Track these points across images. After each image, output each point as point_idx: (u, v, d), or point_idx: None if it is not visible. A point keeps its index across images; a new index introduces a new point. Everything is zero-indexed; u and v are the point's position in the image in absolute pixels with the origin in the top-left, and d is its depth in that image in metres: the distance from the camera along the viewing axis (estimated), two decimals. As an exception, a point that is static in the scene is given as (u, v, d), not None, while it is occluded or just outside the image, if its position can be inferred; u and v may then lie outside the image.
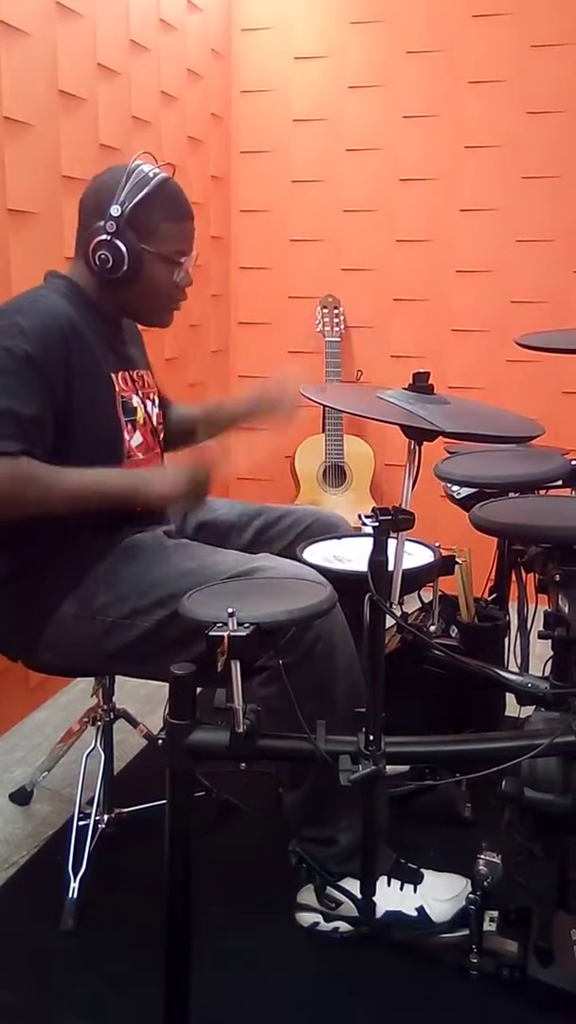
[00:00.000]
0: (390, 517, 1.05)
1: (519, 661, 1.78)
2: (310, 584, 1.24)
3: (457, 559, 1.63)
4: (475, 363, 2.93)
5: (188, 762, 1.17)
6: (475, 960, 1.38)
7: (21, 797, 1.83)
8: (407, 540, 1.63)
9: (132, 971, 1.39)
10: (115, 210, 1.42)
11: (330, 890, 1.44)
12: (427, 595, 1.94)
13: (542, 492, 1.53)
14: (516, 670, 1.71)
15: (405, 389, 1.02)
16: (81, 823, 1.57)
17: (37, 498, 1.33)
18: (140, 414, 1.54)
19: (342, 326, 2.92)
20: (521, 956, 1.38)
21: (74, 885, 1.51)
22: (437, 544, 1.59)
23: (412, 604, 1.86)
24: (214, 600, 1.18)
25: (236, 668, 1.10)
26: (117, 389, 1.49)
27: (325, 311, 2.92)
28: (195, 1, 2.73)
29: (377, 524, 1.05)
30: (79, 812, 1.59)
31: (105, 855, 1.58)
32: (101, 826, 1.62)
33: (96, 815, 1.61)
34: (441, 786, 1.78)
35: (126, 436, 1.49)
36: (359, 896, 1.42)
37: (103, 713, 1.68)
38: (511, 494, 1.43)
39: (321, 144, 2.99)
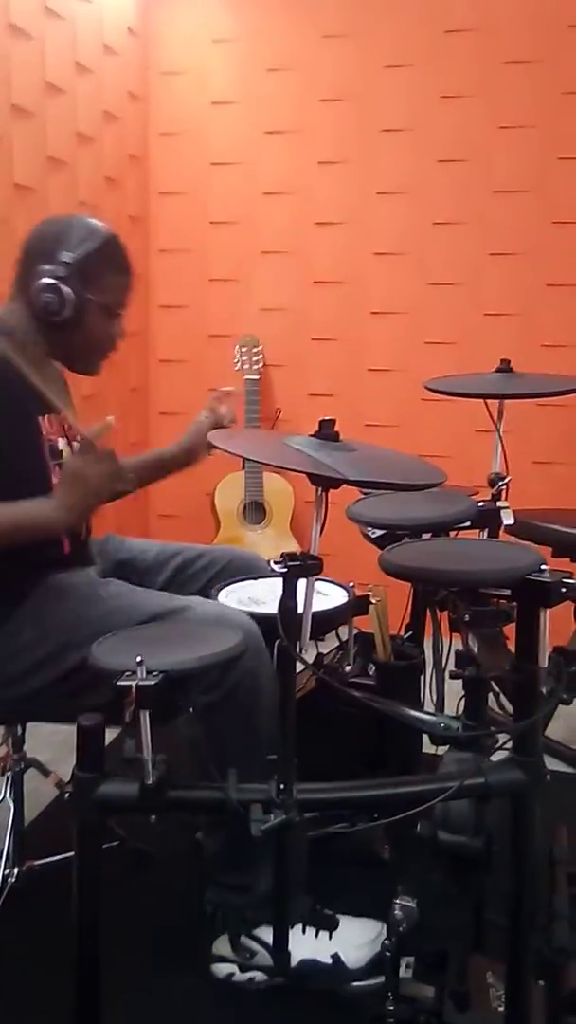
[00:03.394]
0: (299, 563, 1.06)
1: (435, 699, 1.80)
2: (227, 629, 1.23)
3: (372, 599, 1.64)
4: (390, 402, 2.99)
5: (96, 816, 1.15)
6: (391, 1008, 1.37)
7: None
8: (321, 580, 1.65)
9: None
10: (66, 256, 1.45)
11: (245, 940, 1.42)
12: (346, 633, 1.96)
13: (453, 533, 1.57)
14: (431, 709, 1.73)
15: (312, 436, 1.03)
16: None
17: None
18: (67, 456, 1.52)
19: (261, 364, 2.94)
20: (437, 1001, 1.37)
21: (-22, 947, 1.45)
22: (352, 584, 1.60)
23: (331, 642, 1.87)
24: (125, 646, 1.16)
25: (145, 718, 1.08)
26: (44, 432, 1.48)
27: (244, 350, 2.94)
28: (111, 44, 2.75)
29: (286, 570, 1.05)
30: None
31: (14, 909, 1.53)
32: (11, 880, 1.57)
33: (4, 869, 1.56)
34: (356, 829, 1.77)
35: (54, 480, 1.47)
36: (271, 945, 1.41)
37: (13, 763, 1.63)
38: (424, 535, 1.46)
39: (238, 185, 3.03)
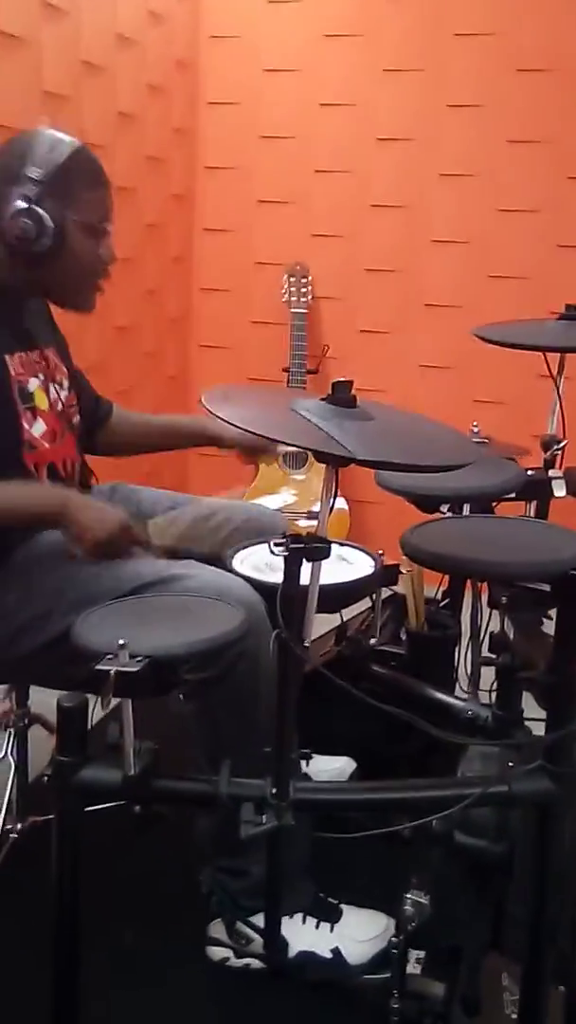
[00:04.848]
0: (302, 546, 0.92)
1: (468, 676, 1.66)
2: (228, 608, 1.11)
3: (403, 569, 1.50)
4: (448, 341, 2.77)
5: (77, 803, 1.06)
6: (396, 1005, 1.28)
7: None
8: (348, 546, 1.51)
9: (24, 988, 1.28)
10: (31, 174, 1.27)
11: (240, 926, 1.34)
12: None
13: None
14: (464, 688, 1.60)
15: (323, 400, 0.88)
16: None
17: None
18: (42, 399, 1.38)
19: (309, 297, 2.75)
20: (446, 1000, 1.28)
21: (-27, 904, 1.41)
22: (381, 552, 1.46)
23: (363, 604, 1.74)
24: (112, 622, 1.05)
25: (127, 706, 0.98)
26: (12, 373, 1.33)
27: (292, 279, 2.75)
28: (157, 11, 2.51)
29: (288, 554, 0.92)
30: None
31: (16, 864, 1.49)
32: (13, 836, 1.52)
33: (7, 824, 1.51)
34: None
35: (25, 425, 1.34)
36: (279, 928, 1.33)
37: (17, 719, 1.56)
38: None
39: (294, 98, 2.78)
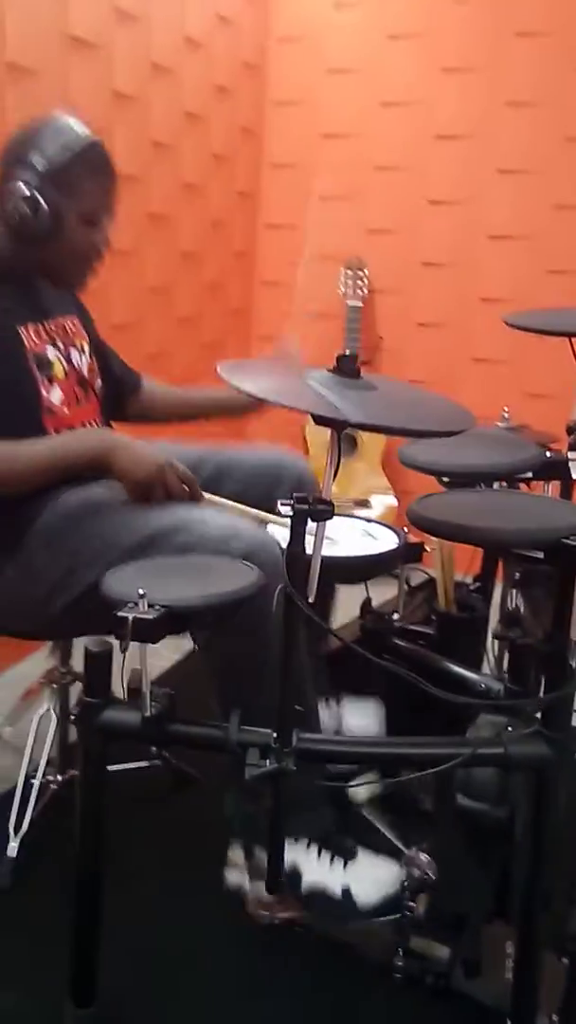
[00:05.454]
0: (307, 506, 0.99)
1: (495, 657, 1.70)
2: (242, 566, 1.18)
3: (428, 547, 1.54)
4: (504, 335, 2.78)
5: (99, 741, 1.15)
6: (400, 963, 1.33)
7: (-14, 750, 1.84)
8: (375, 523, 1.57)
9: (59, 932, 1.38)
10: (38, 161, 1.35)
11: (257, 851, 1.40)
12: (416, 579, 1.88)
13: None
14: (491, 668, 1.64)
15: (330, 371, 0.95)
16: (28, 783, 1.57)
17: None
18: (59, 367, 1.47)
19: (365, 290, 2.81)
20: (450, 963, 1.33)
21: (13, 844, 1.51)
22: (405, 529, 1.51)
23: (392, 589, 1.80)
24: (136, 576, 1.13)
25: (144, 651, 1.06)
26: (28, 344, 1.42)
27: (349, 272, 2.81)
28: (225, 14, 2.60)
29: (292, 514, 0.99)
30: (27, 772, 1.59)
31: (55, 816, 1.57)
32: (53, 787, 1.62)
33: (48, 776, 1.61)
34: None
35: (43, 391, 1.42)
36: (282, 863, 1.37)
37: (60, 675, 1.66)
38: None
39: (356, 97, 2.85)
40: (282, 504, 1.00)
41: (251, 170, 2.97)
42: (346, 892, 1.41)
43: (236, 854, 1.46)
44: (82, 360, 1.53)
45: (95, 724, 1.12)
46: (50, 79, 1.93)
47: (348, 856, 1.44)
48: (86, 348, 1.56)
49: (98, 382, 1.59)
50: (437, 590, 1.76)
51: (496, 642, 1.70)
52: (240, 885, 1.44)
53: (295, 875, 1.41)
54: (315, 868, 1.41)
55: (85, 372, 1.54)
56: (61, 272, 1.48)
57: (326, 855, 1.42)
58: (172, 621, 1.05)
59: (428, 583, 1.82)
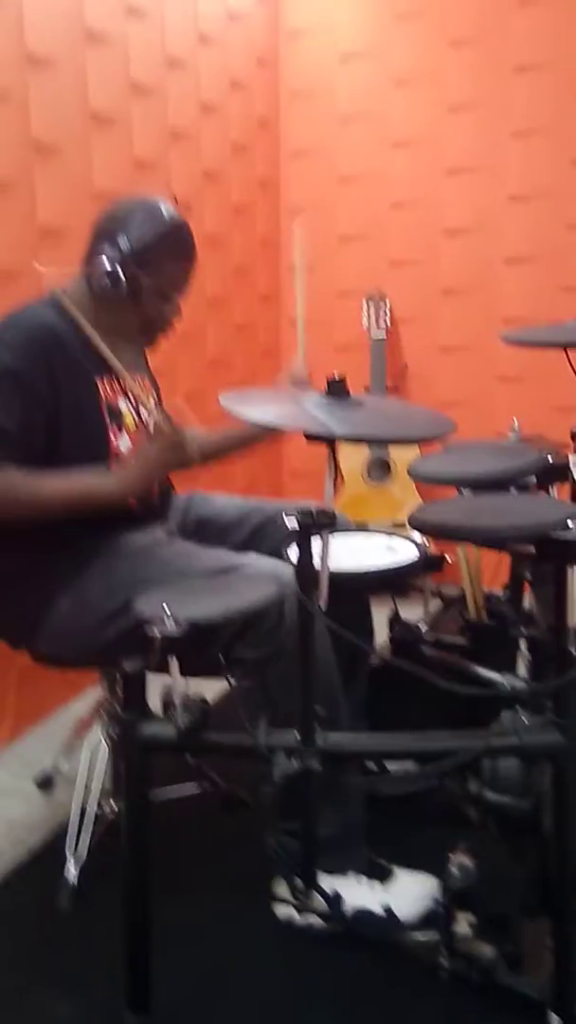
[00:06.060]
0: (312, 518, 1.07)
1: (529, 663, 1.74)
2: (267, 584, 1.26)
3: (448, 557, 1.60)
4: (527, 354, 2.84)
5: (139, 753, 1.23)
6: (446, 962, 1.37)
7: (44, 783, 1.94)
8: (396, 536, 1.64)
9: (116, 950, 1.44)
10: (123, 242, 1.53)
11: (301, 883, 1.46)
12: (450, 591, 1.93)
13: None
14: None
15: (322, 394, 1.03)
16: (84, 811, 1.65)
17: (23, 503, 1.44)
18: (130, 419, 1.60)
19: (387, 321, 2.90)
20: (495, 959, 1.36)
21: (72, 869, 1.59)
22: (424, 541, 1.58)
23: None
24: (165, 598, 1.22)
25: (173, 663, 1.14)
26: (103, 394, 1.56)
27: (371, 304, 2.91)
28: (236, 8, 2.76)
29: (298, 526, 1.07)
30: (82, 800, 1.66)
31: (111, 843, 1.64)
32: (109, 815, 1.69)
33: (103, 804, 1.68)
34: (446, 787, 1.76)
35: (112, 439, 1.56)
36: (327, 891, 1.44)
37: (109, 704, 1.74)
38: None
39: (367, 141, 2.99)
40: (287, 516, 1.08)
41: (271, 216, 3.11)
42: (387, 910, 1.46)
43: (281, 887, 1.52)
44: (148, 415, 1.66)
45: (133, 738, 1.20)
46: (69, 70, 2.07)
47: (386, 878, 1.49)
48: (152, 404, 1.71)
49: None
50: (466, 600, 1.82)
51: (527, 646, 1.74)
52: (288, 917, 1.51)
53: (337, 899, 1.47)
54: (356, 891, 1.47)
55: (151, 426, 1.67)
56: (132, 332, 1.65)
57: (365, 880, 1.49)
58: (197, 635, 1.13)
59: (460, 597, 1.88)
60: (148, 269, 1.54)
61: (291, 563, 1.52)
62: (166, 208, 1.57)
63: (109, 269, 1.53)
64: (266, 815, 1.53)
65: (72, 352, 1.51)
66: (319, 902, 1.45)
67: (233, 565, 1.46)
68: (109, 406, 1.57)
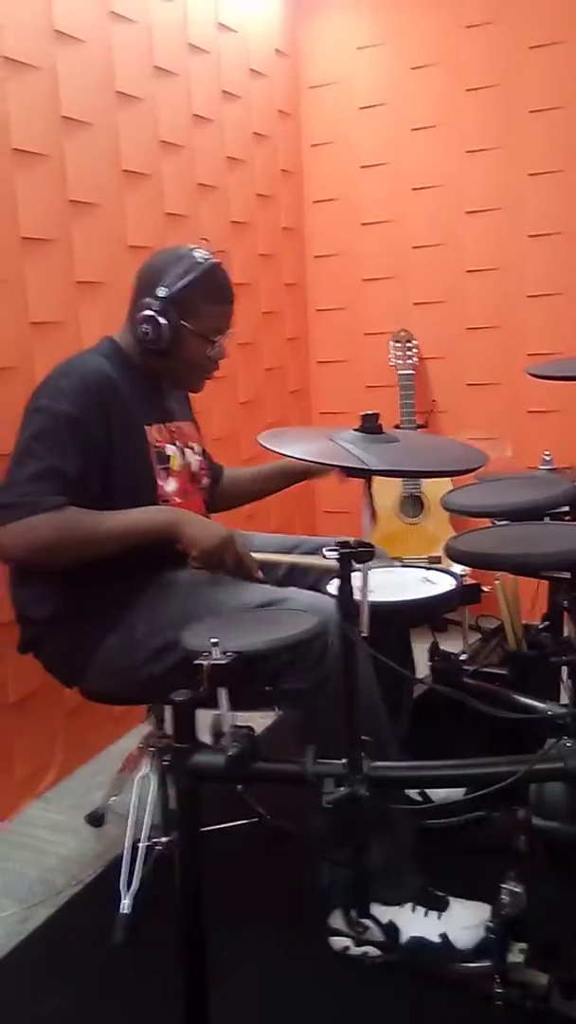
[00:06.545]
0: (351, 549, 1.11)
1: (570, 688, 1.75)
2: (309, 616, 1.30)
3: (484, 587, 1.63)
4: (554, 388, 2.88)
5: (190, 782, 1.26)
6: (500, 990, 1.37)
7: (95, 819, 1.97)
8: (433, 569, 1.67)
9: (170, 981, 1.46)
10: (161, 291, 1.60)
11: (356, 915, 1.47)
12: (488, 624, 1.96)
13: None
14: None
15: (356, 430, 1.08)
16: (135, 845, 1.68)
17: (85, 540, 1.50)
18: (175, 462, 1.67)
19: (415, 359, 2.96)
20: (548, 986, 1.36)
21: (126, 902, 1.62)
22: (462, 572, 1.61)
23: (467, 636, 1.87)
24: (211, 631, 1.27)
25: (223, 694, 1.18)
26: (150, 439, 1.63)
27: (398, 344, 2.98)
28: (258, 68, 2.89)
29: (338, 557, 1.11)
30: (133, 834, 1.70)
31: (163, 875, 1.67)
32: (159, 848, 1.72)
33: (152, 837, 1.71)
34: (495, 817, 1.76)
35: (159, 482, 1.63)
36: (382, 922, 1.46)
37: (156, 739, 1.78)
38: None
39: (388, 187, 3.08)
40: (327, 550, 1.12)
41: (297, 262, 3.20)
42: (444, 937, 1.47)
43: (337, 919, 1.54)
44: (194, 459, 1.74)
45: (185, 768, 1.24)
46: (103, 131, 2.19)
47: (441, 907, 1.50)
48: (197, 449, 1.78)
49: (205, 480, 1.80)
50: (505, 631, 1.84)
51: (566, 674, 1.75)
52: (343, 947, 1.52)
53: (393, 930, 1.48)
54: (411, 922, 1.48)
55: (196, 469, 1.75)
56: (179, 378, 1.73)
57: (420, 910, 1.50)
58: (244, 666, 1.17)
59: (499, 629, 1.90)
60: (187, 314, 1.61)
61: (332, 596, 1.57)
62: (200, 253, 1.64)
63: (149, 315, 1.60)
64: (316, 846, 1.56)
65: (123, 398, 1.58)
66: (375, 932, 1.47)
67: (276, 599, 1.50)
68: (158, 451, 1.64)
